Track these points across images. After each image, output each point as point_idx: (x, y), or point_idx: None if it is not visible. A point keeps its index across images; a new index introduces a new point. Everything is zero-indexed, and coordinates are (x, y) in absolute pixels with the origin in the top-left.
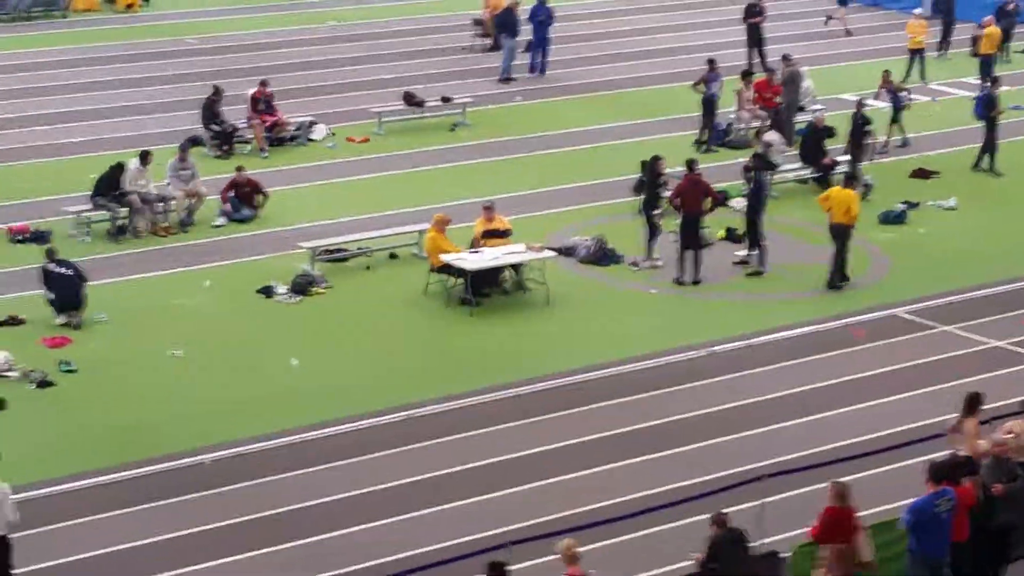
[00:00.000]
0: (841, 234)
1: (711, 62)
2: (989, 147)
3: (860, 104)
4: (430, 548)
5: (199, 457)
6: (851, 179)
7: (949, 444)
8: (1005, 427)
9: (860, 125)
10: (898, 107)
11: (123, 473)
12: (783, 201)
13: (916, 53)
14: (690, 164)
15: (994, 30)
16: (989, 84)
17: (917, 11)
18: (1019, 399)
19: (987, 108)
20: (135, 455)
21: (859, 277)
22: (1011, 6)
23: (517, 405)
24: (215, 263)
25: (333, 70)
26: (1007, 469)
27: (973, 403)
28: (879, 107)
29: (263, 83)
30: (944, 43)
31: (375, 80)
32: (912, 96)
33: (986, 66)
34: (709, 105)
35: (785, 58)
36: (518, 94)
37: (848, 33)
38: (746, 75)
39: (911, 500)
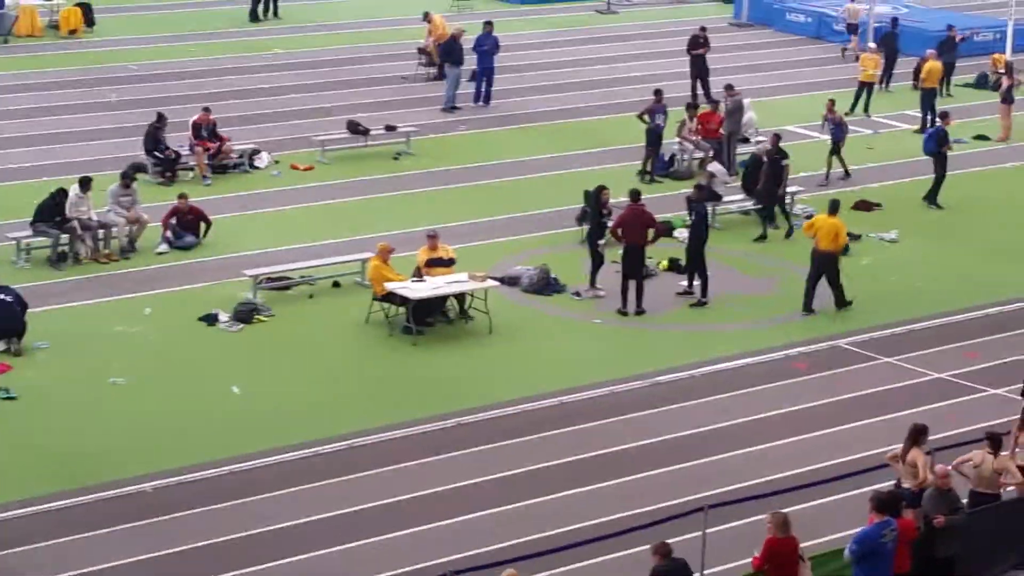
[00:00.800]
0: (826, 262)
1: (657, 92)
2: (939, 182)
3: (775, 138)
4: None
5: (141, 485)
6: (836, 206)
7: (896, 474)
8: (967, 456)
9: (776, 160)
10: (837, 139)
11: (63, 501)
12: (726, 232)
13: (866, 86)
14: (634, 195)
15: (935, 64)
16: (939, 119)
17: (871, 45)
18: (960, 430)
19: (939, 143)
20: (75, 483)
21: (802, 308)
22: (954, 39)
23: (460, 434)
24: (157, 290)
25: (277, 98)
26: (948, 501)
27: (918, 434)
28: (822, 139)
29: (205, 110)
30: (887, 76)
31: (319, 108)
32: (851, 129)
33: (927, 100)
34: (653, 136)
35: (728, 88)
36: (462, 123)
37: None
38: (691, 107)
39: (854, 531)
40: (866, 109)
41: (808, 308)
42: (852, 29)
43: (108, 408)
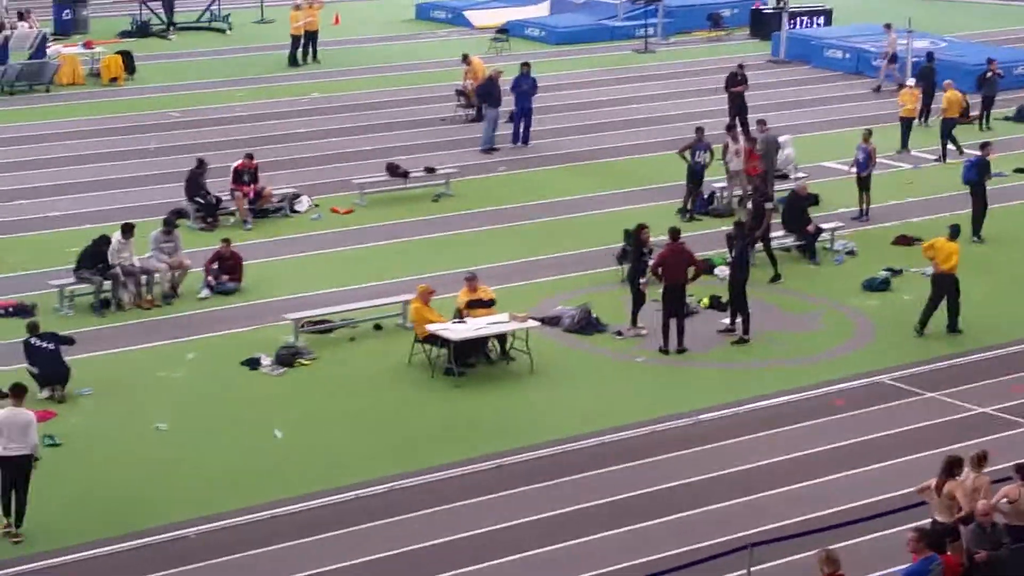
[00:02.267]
0: (947, 283)
1: (699, 130)
2: (979, 214)
3: (761, 179)
4: None
5: (184, 531)
6: (957, 230)
7: (931, 507)
8: (1001, 492)
9: (760, 203)
10: (861, 173)
11: (107, 548)
12: (766, 269)
13: (905, 121)
14: (673, 233)
15: (953, 94)
16: (980, 149)
17: (910, 81)
18: (1005, 465)
19: (980, 173)
20: (119, 530)
21: (844, 343)
22: (990, 74)
23: (503, 475)
24: (199, 335)
25: (316, 142)
26: (991, 536)
27: (952, 466)
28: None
29: (248, 156)
30: (925, 111)
31: (358, 151)
32: (891, 164)
33: (945, 129)
34: (694, 174)
35: (760, 123)
36: (501, 164)
37: (878, 89)
38: (731, 128)
39: (896, 568)
40: (905, 145)
41: (921, 330)
42: (893, 59)
43: (152, 454)
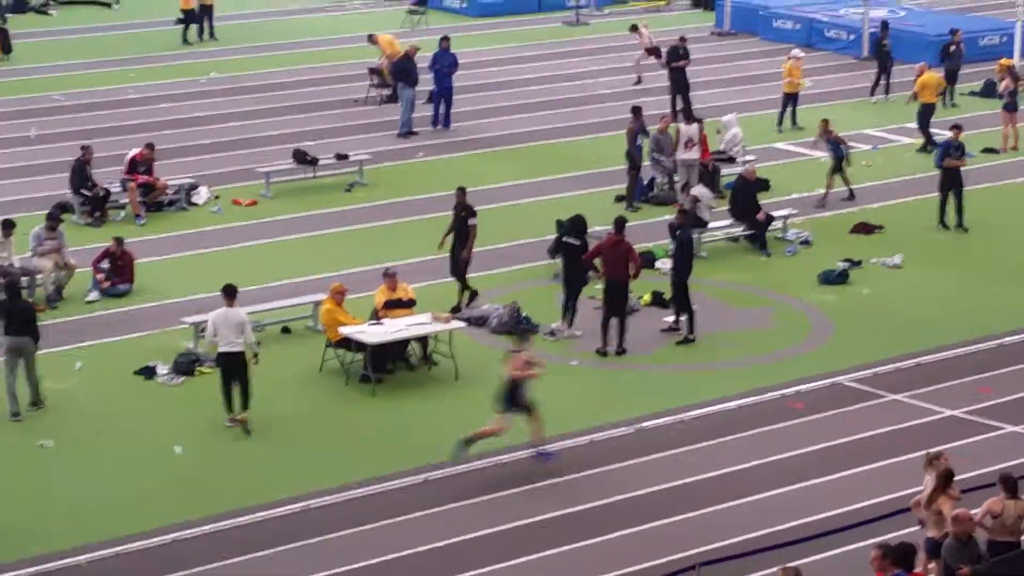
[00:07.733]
0: None
1: (635, 111)
2: (957, 200)
3: (461, 193)
4: None
5: (74, 558)
6: None
7: (927, 523)
8: (984, 509)
9: (463, 219)
10: (839, 157)
11: None
12: (713, 261)
13: (790, 97)
14: (618, 223)
15: (930, 76)
16: (950, 131)
17: (795, 52)
18: (976, 472)
19: (954, 157)
20: (2, 558)
21: (799, 343)
22: (954, 47)
23: (427, 492)
24: (88, 342)
25: (215, 127)
26: (970, 551)
27: (946, 479)
28: (818, 157)
29: (148, 145)
30: (886, 86)
31: (262, 137)
32: (851, 146)
33: (925, 116)
34: (632, 158)
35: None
36: (420, 149)
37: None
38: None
39: None
40: (794, 122)
41: None
42: (653, 52)
43: (36, 474)
